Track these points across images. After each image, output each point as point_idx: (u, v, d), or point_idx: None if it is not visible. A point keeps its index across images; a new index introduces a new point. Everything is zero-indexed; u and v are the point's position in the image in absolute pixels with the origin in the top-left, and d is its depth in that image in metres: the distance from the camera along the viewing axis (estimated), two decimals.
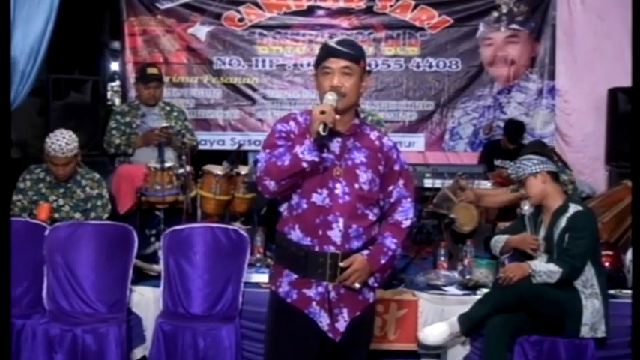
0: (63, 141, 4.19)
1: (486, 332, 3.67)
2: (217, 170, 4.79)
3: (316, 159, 2.54)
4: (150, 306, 3.96)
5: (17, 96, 4.44)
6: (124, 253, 3.93)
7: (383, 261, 2.67)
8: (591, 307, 3.62)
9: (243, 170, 4.87)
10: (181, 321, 3.77)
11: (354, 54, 2.63)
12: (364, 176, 2.63)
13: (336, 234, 2.60)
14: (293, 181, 2.57)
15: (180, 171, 4.57)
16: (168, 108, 5.22)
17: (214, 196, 4.74)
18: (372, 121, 4.74)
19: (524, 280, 3.62)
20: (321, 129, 2.48)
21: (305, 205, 2.61)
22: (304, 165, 2.53)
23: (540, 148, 4.95)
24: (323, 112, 2.49)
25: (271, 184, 2.58)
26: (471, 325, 3.71)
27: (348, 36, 6.70)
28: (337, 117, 2.54)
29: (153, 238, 4.50)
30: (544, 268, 3.62)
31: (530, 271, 3.62)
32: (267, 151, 2.62)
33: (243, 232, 4.05)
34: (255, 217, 4.78)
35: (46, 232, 3.96)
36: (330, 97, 2.56)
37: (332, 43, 2.64)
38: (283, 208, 2.70)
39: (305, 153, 2.52)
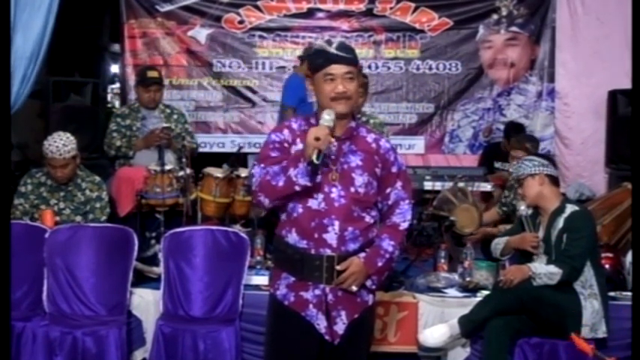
0: (60, 142, 4.19)
1: (487, 335, 3.67)
2: (217, 173, 4.80)
3: (309, 184, 2.54)
4: (150, 308, 3.96)
5: (17, 99, 4.43)
6: (124, 255, 3.93)
7: (380, 263, 2.67)
8: (591, 307, 3.61)
9: (243, 173, 4.87)
10: (181, 323, 3.76)
11: (354, 58, 2.64)
12: (360, 179, 2.63)
13: (331, 237, 2.60)
14: (288, 199, 2.60)
15: (181, 173, 4.57)
16: (168, 111, 5.22)
17: (214, 199, 4.75)
18: (373, 124, 4.74)
19: (525, 282, 3.62)
20: (314, 157, 2.47)
21: (301, 210, 2.62)
22: (297, 188, 2.55)
23: (530, 142, 5.04)
24: (318, 139, 2.47)
25: (266, 201, 2.62)
26: (471, 328, 3.70)
27: (348, 38, 6.74)
28: (333, 140, 2.52)
29: (153, 241, 4.51)
30: (544, 270, 3.61)
31: (531, 274, 3.61)
32: (262, 165, 2.63)
33: (244, 235, 4.06)
34: (256, 220, 4.78)
35: (47, 235, 3.96)
36: (327, 117, 2.54)
37: (331, 49, 2.61)
38: (282, 212, 2.70)
39: (299, 177, 2.52)
